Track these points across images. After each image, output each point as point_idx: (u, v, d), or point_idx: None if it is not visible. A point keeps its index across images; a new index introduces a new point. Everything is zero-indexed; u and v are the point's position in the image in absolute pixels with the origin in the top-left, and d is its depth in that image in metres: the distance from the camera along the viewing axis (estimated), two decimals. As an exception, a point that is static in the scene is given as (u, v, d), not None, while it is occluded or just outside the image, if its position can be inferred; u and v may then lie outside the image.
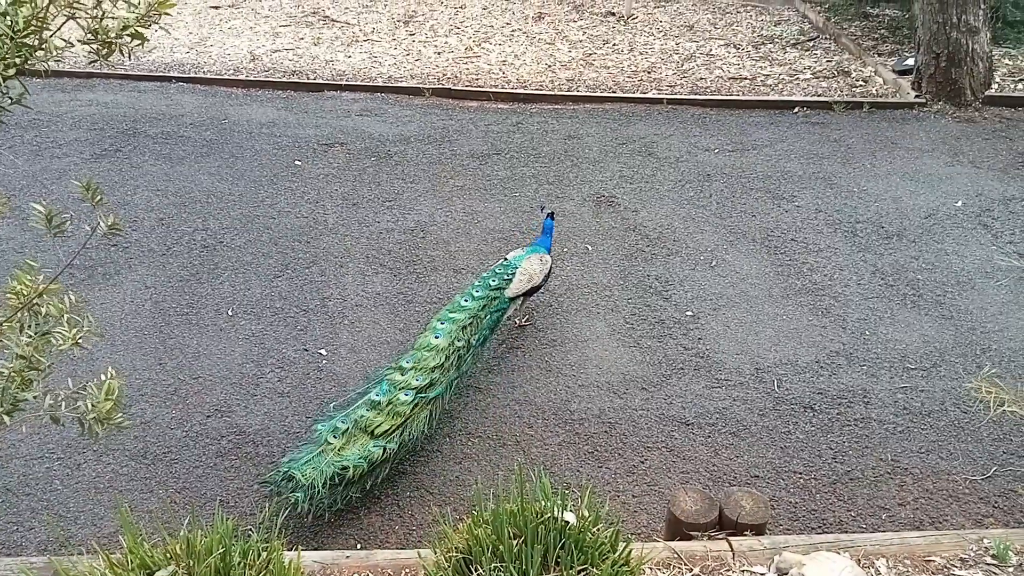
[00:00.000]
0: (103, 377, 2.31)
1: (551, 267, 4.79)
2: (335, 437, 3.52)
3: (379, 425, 3.59)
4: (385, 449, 3.53)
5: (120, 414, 2.31)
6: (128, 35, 2.22)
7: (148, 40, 2.29)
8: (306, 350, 4.57)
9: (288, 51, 10.14)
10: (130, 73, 8.73)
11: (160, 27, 2.17)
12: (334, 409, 3.77)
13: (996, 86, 8.00)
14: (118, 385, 2.31)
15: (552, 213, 4.95)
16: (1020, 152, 6.87)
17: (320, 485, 3.31)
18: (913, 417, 4.04)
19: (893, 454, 3.82)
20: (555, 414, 4.10)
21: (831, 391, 4.22)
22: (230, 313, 4.92)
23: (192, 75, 9.20)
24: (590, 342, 4.66)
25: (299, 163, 6.93)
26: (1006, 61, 8.57)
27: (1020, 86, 8.11)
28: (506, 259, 4.69)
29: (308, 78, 9.17)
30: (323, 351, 4.54)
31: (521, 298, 4.59)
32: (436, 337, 4.03)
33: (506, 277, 4.49)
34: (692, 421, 4.04)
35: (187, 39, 10.56)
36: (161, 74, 9.14)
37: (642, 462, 3.80)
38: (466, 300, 4.30)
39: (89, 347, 2.21)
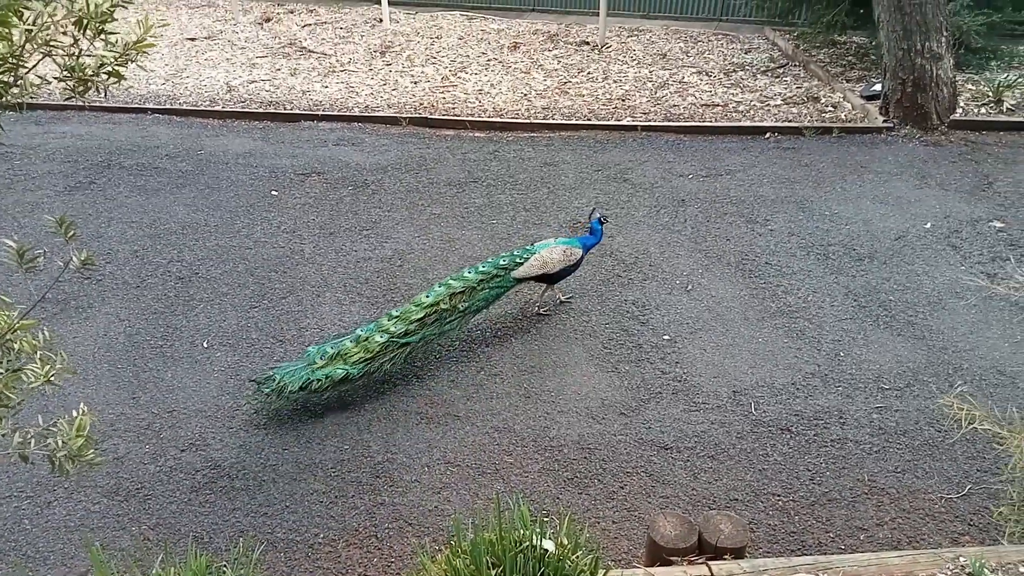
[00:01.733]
0: (75, 413, 2.28)
1: (577, 261, 5.07)
2: (321, 358, 4.27)
3: (353, 355, 4.29)
4: (348, 372, 4.24)
5: (92, 450, 2.28)
6: (105, 73, 2.23)
7: (126, 78, 2.30)
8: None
9: (265, 82, 10.18)
10: (105, 105, 8.70)
11: (138, 65, 2.19)
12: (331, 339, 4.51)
13: (961, 110, 8.21)
14: (90, 421, 2.29)
15: (603, 218, 5.20)
16: (985, 174, 7.02)
17: (292, 387, 4.15)
18: (888, 437, 4.08)
19: (870, 474, 3.85)
20: (534, 441, 4.10)
21: (807, 412, 4.26)
22: (205, 345, 4.88)
23: (168, 107, 9.21)
24: (569, 368, 4.67)
25: (276, 193, 6.92)
26: (969, 86, 8.80)
27: (984, 110, 8.32)
28: (532, 244, 5.09)
29: (285, 108, 9.20)
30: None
31: (534, 282, 5.03)
32: (427, 296, 4.60)
33: (519, 260, 4.90)
34: (671, 445, 4.05)
35: (163, 71, 10.58)
36: (136, 106, 9.13)
37: (621, 487, 3.80)
38: (470, 272, 4.78)
39: (61, 384, 2.19)
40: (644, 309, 5.22)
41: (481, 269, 4.81)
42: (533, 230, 6.26)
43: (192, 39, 12.33)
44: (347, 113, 9.01)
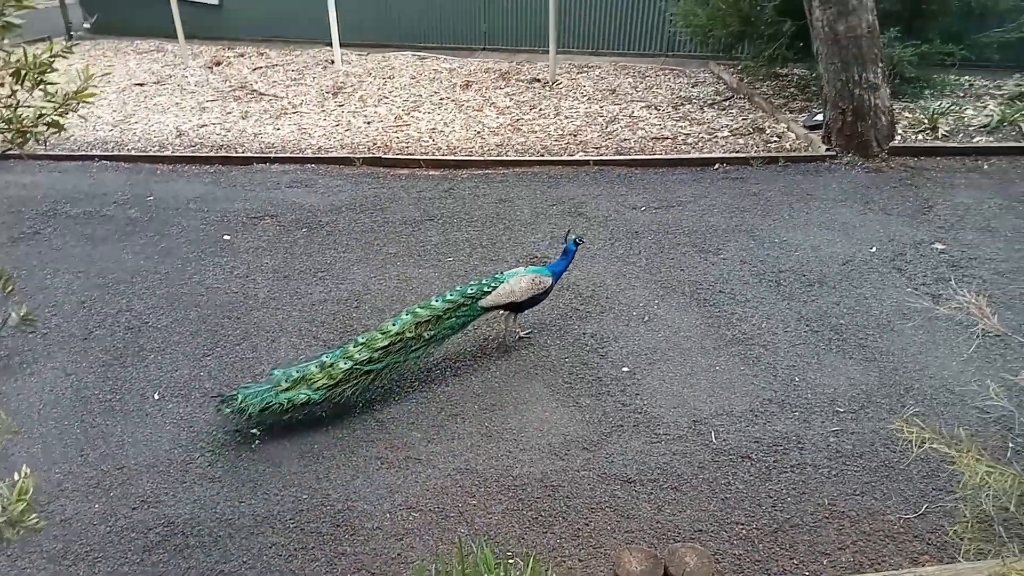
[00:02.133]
0: (16, 476, 2.19)
1: (547, 290, 5.10)
2: (286, 381, 4.34)
3: (317, 380, 4.36)
4: (309, 397, 4.32)
5: (35, 515, 2.19)
6: (44, 124, 2.20)
7: (65, 129, 2.27)
8: (237, 431, 4.43)
9: (216, 125, 10.11)
10: (50, 153, 8.55)
11: (79, 116, 2.16)
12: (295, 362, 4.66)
13: (899, 137, 8.50)
14: (33, 483, 2.20)
15: (579, 239, 5.22)
16: (926, 198, 7.26)
17: (252, 409, 4.25)
18: (846, 460, 4.13)
19: (829, 498, 3.89)
20: (497, 481, 4.06)
21: (766, 439, 4.29)
22: (156, 397, 4.75)
23: (116, 153, 9.09)
24: (530, 404, 4.65)
25: (228, 237, 6.84)
26: (906, 114, 9.13)
27: (920, 137, 8.63)
28: (501, 272, 5.13)
29: (236, 152, 9.14)
30: (256, 431, 4.40)
31: (503, 311, 5.08)
32: (393, 325, 4.65)
33: (487, 289, 4.92)
34: (634, 478, 4.04)
35: (110, 117, 10.45)
36: (83, 153, 8.99)
37: (587, 524, 3.77)
38: (437, 300, 4.83)
39: (3, 444, 2.10)
40: (603, 342, 5.24)
41: (448, 298, 4.85)
42: (490, 266, 6.27)
43: (140, 84, 12.22)
44: (300, 155, 9.00)
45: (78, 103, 2.22)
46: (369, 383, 4.53)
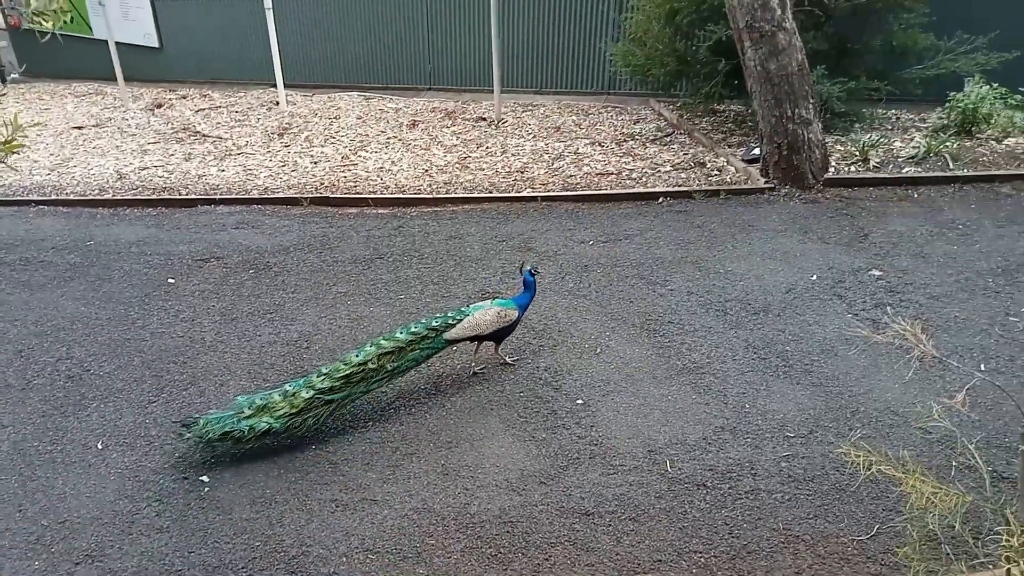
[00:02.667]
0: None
1: (513, 323, 5.19)
2: (249, 408, 4.39)
3: (279, 409, 4.41)
4: (271, 426, 4.36)
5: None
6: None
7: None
8: (185, 478, 4.29)
9: (157, 167, 9.94)
10: (-17, 199, 8.28)
11: (7, 165, 2.11)
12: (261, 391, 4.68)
13: (833, 169, 8.83)
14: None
15: (534, 269, 5.31)
16: (861, 227, 7.54)
17: (213, 435, 4.29)
18: (798, 484, 4.20)
19: (784, 523, 3.94)
20: (455, 519, 4.00)
21: (720, 466, 4.34)
22: (100, 446, 4.58)
23: (53, 197, 8.85)
24: (485, 440, 4.63)
25: (172, 280, 6.69)
26: (838, 147, 9.50)
27: (853, 168, 8.98)
28: (466, 306, 5.26)
29: (180, 194, 9.00)
30: (205, 477, 4.27)
31: (469, 341, 5.14)
32: (356, 355, 4.70)
33: (451, 321, 4.99)
34: (592, 511, 4.04)
35: (48, 161, 10.20)
36: (19, 198, 8.74)
37: (546, 559, 3.74)
38: (401, 332, 4.87)
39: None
40: (556, 375, 5.26)
41: (412, 330, 4.89)
42: (442, 302, 6.26)
43: (79, 127, 11.98)
44: (246, 196, 8.90)
45: (7, 154, 2.17)
46: (330, 413, 4.57)
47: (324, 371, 4.63)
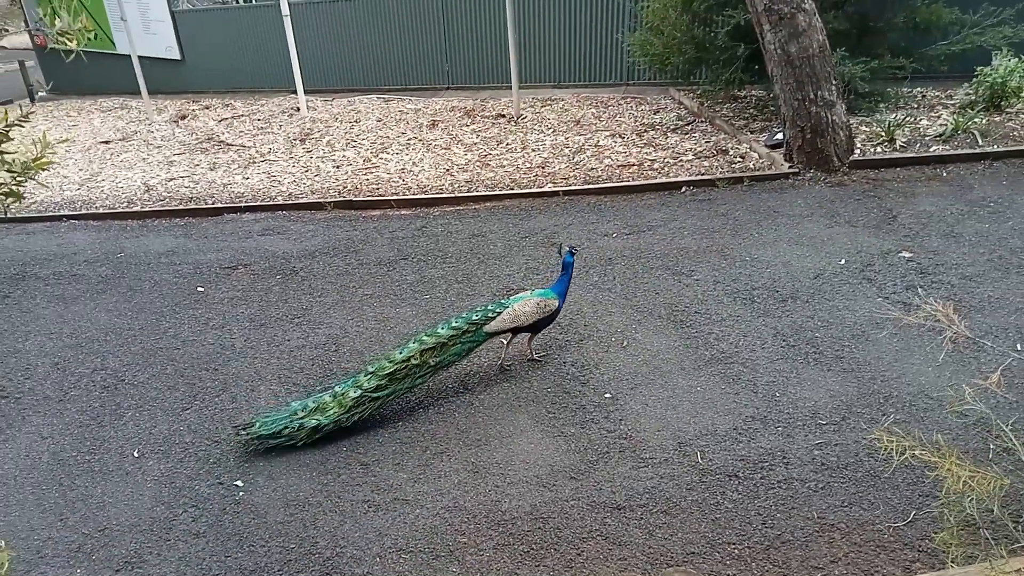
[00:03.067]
0: (-8, 548, 2.14)
1: (554, 312, 5.22)
2: (303, 409, 4.62)
3: (330, 408, 4.61)
4: (319, 423, 4.56)
5: (12, 586, 2.13)
6: (2, 194, 2.19)
7: (24, 198, 2.26)
8: (220, 483, 4.35)
9: (184, 178, 10.08)
10: (15, 216, 8.46)
11: (38, 182, 2.15)
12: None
13: (859, 151, 8.68)
14: (8, 556, 2.14)
15: (573, 249, 5.29)
16: (889, 208, 7.41)
17: (267, 432, 4.54)
18: (832, 472, 4.14)
19: (818, 511, 3.89)
20: (487, 517, 4.01)
21: (752, 456, 4.30)
22: (136, 454, 4.66)
23: (83, 211, 9.02)
24: (514, 437, 4.63)
25: (201, 289, 6.79)
26: (863, 128, 9.34)
27: (879, 149, 8.82)
28: (506, 297, 5.35)
29: (206, 203, 9.12)
30: (239, 482, 4.33)
31: (511, 334, 5.19)
32: (400, 352, 4.83)
33: (491, 314, 5.04)
34: (623, 505, 4.02)
35: (77, 176, 10.39)
36: (51, 214, 8.91)
37: (579, 554, 3.73)
38: (443, 328, 4.95)
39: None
40: (583, 369, 5.24)
41: (453, 324, 4.98)
42: (466, 301, 6.27)
43: (106, 142, 12.19)
44: (271, 202, 9.00)
45: (36, 172, 2.22)
46: (376, 408, 4.76)
47: (371, 369, 4.78)
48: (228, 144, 11.48)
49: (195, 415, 5.02)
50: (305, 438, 4.56)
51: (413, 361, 4.79)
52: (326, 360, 5.57)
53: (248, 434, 4.57)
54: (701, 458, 4.32)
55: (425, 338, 4.90)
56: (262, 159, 10.67)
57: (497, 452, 4.50)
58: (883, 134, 8.96)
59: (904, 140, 8.94)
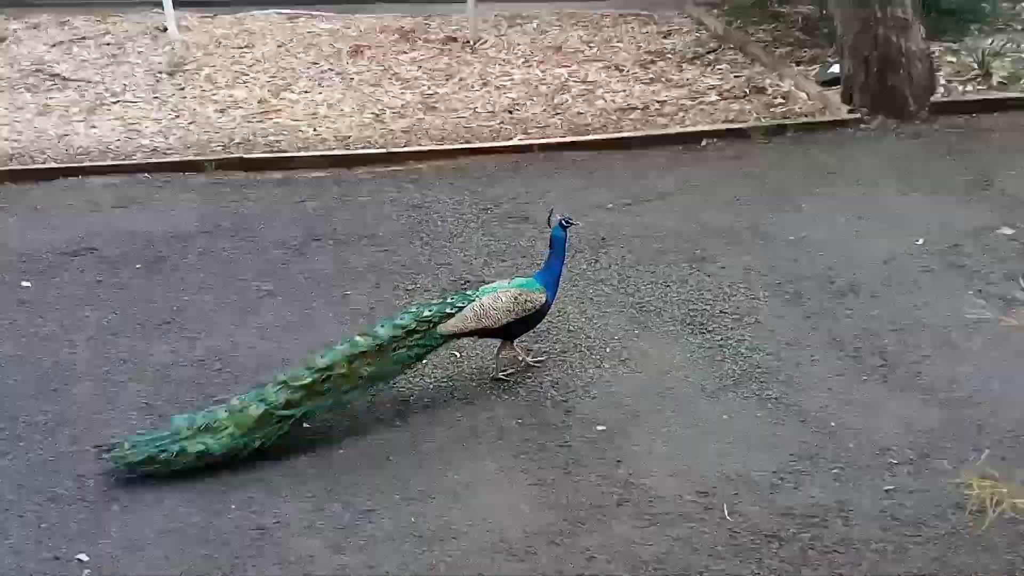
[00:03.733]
0: None
1: (540, 309, 5.24)
2: (188, 429, 4.62)
3: (224, 428, 4.61)
4: (207, 448, 4.56)
5: None
6: None
7: None
8: (56, 558, 4.29)
9: (0, 127, 9.88)
10: None
11: None
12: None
13: (942, 90, 8.82)
14: None
15: (565, 221, 5.24)
16: (982, 168, 7.53)
17: (135, 458, 4.57)
18: (906, 529, 4.20)
19: (889, 584, 3.95)
20: (434, 600, 4.02)
21: (798, 510, 4.35)
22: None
23: None
24: (474, 487, 4.62)
25: (27, 284, 6.70)
26: (949, 58, 9.48)
27: (970, 87, 8.96)
28: (476, 288, 5.43)
29: (34, 162, 8.96)
30: (83, 555, 4.27)
31: (477, 337, 5.28)
32: (322, 357, 4.85)
33: (450, 310, 5.09)
34: (624, 580, 4.05)
35: None
36: None
37: (562, 650, 3.76)
38: (383, 327, 5.02)
39: None
40: (567, 392, 5.26)
41: (397, 323, 5.03)
42: (406, 297, 6.26)
43: None
44: (127, 161, 8.87)
45: None
46: (286, 432, 4.74)
47: (282, 379, 4.80)
48: (65, 79, 11.29)
49: (18, 463, 4.93)
50: (184, 466, 4.55)
51: (338, 370, 4.79)
52: (205, 383, 5.52)
53: (112, 459, 4.58)
54: (729, 513, 4.36)
55: (358, 339, 4.93)
56: (115, 100, 10.52)
57: (449, 509, 4.49)
58: (976, 66, 9.10)
59: (1004, 75, 9.09)
